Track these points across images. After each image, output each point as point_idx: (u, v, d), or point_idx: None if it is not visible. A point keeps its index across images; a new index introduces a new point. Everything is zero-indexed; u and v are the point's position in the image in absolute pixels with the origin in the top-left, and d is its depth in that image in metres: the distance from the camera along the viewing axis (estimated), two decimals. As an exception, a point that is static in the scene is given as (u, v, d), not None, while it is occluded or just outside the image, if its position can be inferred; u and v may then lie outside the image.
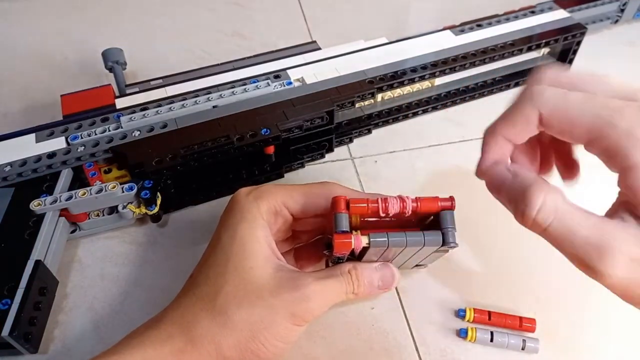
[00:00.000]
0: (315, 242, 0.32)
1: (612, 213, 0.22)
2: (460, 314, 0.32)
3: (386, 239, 0.25)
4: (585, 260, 0.20)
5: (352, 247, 0.24)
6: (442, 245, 0.25)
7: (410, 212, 0.25)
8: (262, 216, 0.28)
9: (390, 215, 0.25)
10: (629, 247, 0.20)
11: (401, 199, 0.25)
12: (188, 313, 0.26)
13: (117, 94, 0.44)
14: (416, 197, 0.25)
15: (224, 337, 0.25)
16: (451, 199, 0.25)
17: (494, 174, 0.23)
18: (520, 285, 0.34)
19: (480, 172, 0.24)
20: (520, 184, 0.22)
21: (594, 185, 0.30)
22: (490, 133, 0.24)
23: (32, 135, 0.38)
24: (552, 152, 0.26)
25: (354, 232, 0.25)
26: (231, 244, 0.27)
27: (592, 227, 0.20)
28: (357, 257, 0.27)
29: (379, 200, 0.25)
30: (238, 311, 0.25)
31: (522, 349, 0.31)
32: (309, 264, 0.32)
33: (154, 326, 0.26)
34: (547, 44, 0.48)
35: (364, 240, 0.25)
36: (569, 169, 0.26)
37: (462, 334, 0.31)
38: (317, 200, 0.29)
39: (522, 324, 0.31)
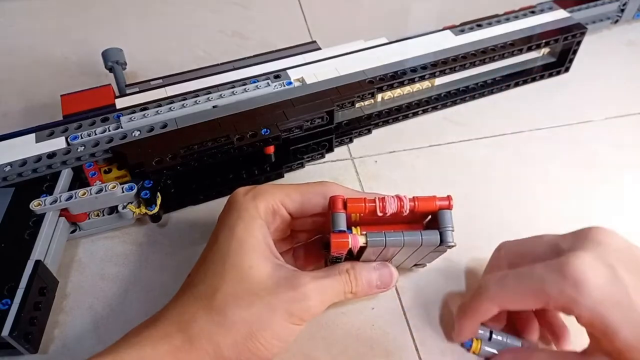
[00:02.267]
0: (314, 241, 0.32)
1: (588, 352, 0.26)
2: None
3: (383, 238, 0.25)
4: None
5: (350, 246, 0.24)
6: (439, 245, 0.25)
7: (407, 212, 0.25)
8: (260, 215, 0.28)
9: (388, 214, 0.25)
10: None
11: (399, 198, 0.25)
12: (185, 312, 0.26)
13: (117, 94, 0.44)
14: (414, 197, 0.25)
15: (222, 336, 0.25)
16: (448, 198, 0.25)
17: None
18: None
19: (458, 341, 0.31)
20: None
21: None
22: (461, 320, 0.30)
23: (32, 135, 0.38)
24: (534, 317, 0.31)
25: (353, 229, 0.25)
26: (229, 243, 0.27)
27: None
28: (355, 256, 0.27)
29: (377, 200, 0.25)
30: (236, 310, 0.25)
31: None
32: (308, 264, 0.32)
33: (152, 325, 0.26)
34: (547, 44, 0.48)
35: (361, 240, 0.25)
36: (555, 333, 0.30)
37: (467, 345, 0.31)
38: (315, 200, 0.29)
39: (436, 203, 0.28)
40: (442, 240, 0.25)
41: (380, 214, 0.25)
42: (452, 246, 0.25)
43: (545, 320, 0.30)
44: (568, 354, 0.27)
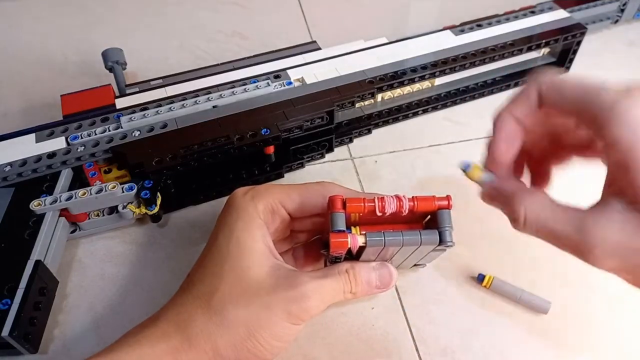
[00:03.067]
0: (314, 242, 0.32)
1: (600, 201, 0.23)
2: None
3: (382, 238, 0.25)
4: (575, 254, 0.22)
5: (349, 246, 0.24)
6: (439, 245, 0.25)
7: (407, 211, 0.25)
8: (259, 215, 0.28)
9: (387, 214, 0.25)
10: (610, 239, 0.21)
11: (398, 198, 0.25)
12: (184, 312, 0.26)
13: (117, 94, 0.44)
14: (413, 196, 0.25)
15: (220, 336, 0.25)
16: (448, 197, 0.25)
17: (485, 195, 0.26)
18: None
19: (495, 158, 0.26)
20: (503, 197, 0.24)
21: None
22: (497, 114, 0.26)
23: (32, 135, 0.38)
24: (542, 164, 0.28)
25: (352, 228, 0.25)
26: (228, 243, 0.27)
27: (574, 225, 0.22)
28: (354, 256, 0.27)
29: (376, 200, 0.25)
30: (234, 310, 0.25)
31: (534, 305, 0.32)
32: (307, 264, 0.32)
33: (151, 325, 0.26)
34: (547, 44, 0.48)
35: (360, 240, 0.25)
36: (542, 178, 0.28)
37: (479, 278, 0.33)
38: (314, 200, 0.29)
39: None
40: (441, 240, 0.25)
41: (379, 214, 0.25)
42: (451, 245, 0.25)
43: (540, 166, 0.28)
44: (570, 204, 0.24)
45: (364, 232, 0.25)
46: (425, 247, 0.25)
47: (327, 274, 0.27)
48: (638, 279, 0.22)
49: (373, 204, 0.25)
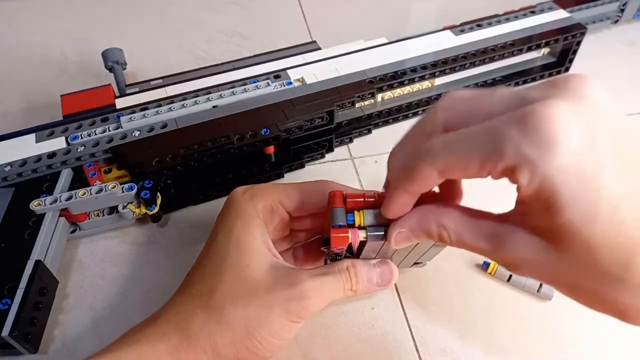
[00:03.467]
0: (314, 241, 0.32)
1: (506, 217, 0.22)
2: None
3: (383, 232, 0.25)
4: (491, 256, 0.22)
5: (350, 241, 0.24)
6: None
7: None
8: (258, 214, 0.28)
9: None
10: (523, 253, 0.21)
11: None
12: (183, 311, 0.26)
13: (117, 94, 0.44)
14: None
15: (220, 334, 0.25)
16: None
17: (399, 242, 0.24)
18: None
19: (389, 217, 0.24)
20: (423, 233, 0.24)
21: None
22: (393, 188, 0.23)
23: (32, 135, 0.38)
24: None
25: (355, 212, 0.25)
26: (227, 243, 0.27)
27: (489, 239, 0.22)
28: (355, 253, 0.27)
29: (376, 195, 0.25)
30: (233, 309, 0.25)
31: (537, 291, 0.33)
32: (307, 263, 0.32)
33: (150, 324, 0.26)
34: (547, 44, 0.48)
35: (361, 235, 0.25)
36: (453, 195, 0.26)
37: (484, 265, 0.34)
38: (313, 198, 0.29)
39: None
40: None
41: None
42: None
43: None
44: (484, 213, 0.23)
45: (365, 227, 0.25)
46: (425, 242, 0.25)
47: (327, 271, 0.27)
48: (576, 295, 0.21)
49: (373, 200, 0.25)
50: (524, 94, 0.20)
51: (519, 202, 0.20)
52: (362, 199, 0.25)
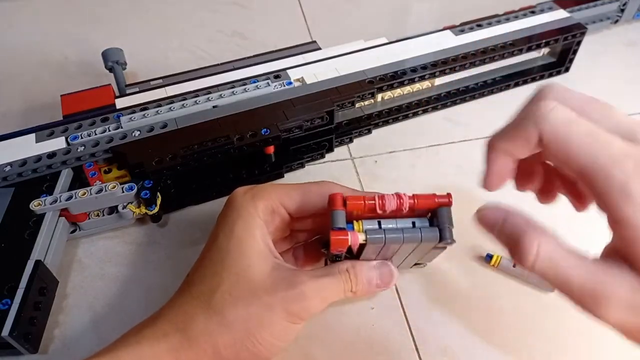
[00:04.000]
0: (314, 241, 0.32)
1: (606, 256, 0.21)
2: None
3: (383, 235, 0.25)
4: (583, 306, 0.20)
5: (349, 243, 0.24)
6: (439, 242, 0.25)
7: (407, 209, 0.25)
8: (259, 215, 0.28)
9: (388, 212, 0.25)
10: (624, 293, 0.20)
11: (398, 196, 0.25)
12: (184, 312, 0.26)
13: (117, 94, 0.44)
14: (413, 194, 0.25)
15: (220, 335, 0.25)
16: (448, 195, 0.25)
17: (485, 216, 0.23)
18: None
19: (487, 187, 0.24)
20: (511, 231, 0.22)
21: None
22: (491, 148, 0.23)
23: (32, 135, 0.38)
24: (558, 177, 0.26)
25: (354, 222, 0.25)
26: (228, 243, 0.27)
27: (587, 274, 0.20)
28: (355, 255, 0.27)
29: (376, 197, 0.25)
30: (234, 309, 0.25)
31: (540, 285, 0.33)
32: (307, 264, 0.32)
33: (150, 324, 0.26)
34: (547, 44, 0.48)
35: (360, 237, 0.25)
36: (578, 197, 0.26)
37: (487, 258, 0.34)
38: (314, 199, 0.29)
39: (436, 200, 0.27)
40: (442, 237, 0.25)
41: (380, 212, 0.25)
42: (451, 243, 0.25)
43: (568, 181, 0.26)
44: (581, 252, 0.21)
45: (365, 230, 0.25)
46: (426, 244, 0.25)
47: (327, 272, 0.27)
48: None
49: (373, 202, 0.25)
50: (635, 132, 0.20)
51: (616, 242, 0.20)
52: (361, 202, 0.25)
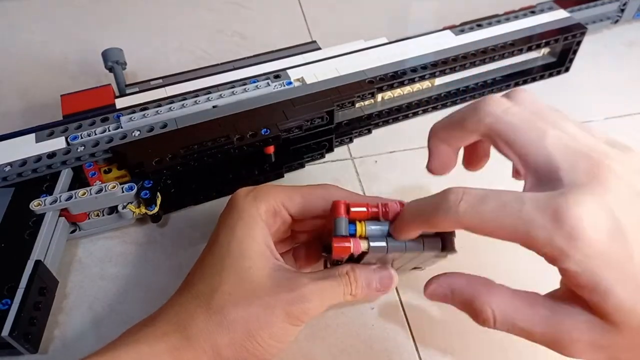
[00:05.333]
0: (314, 241, 0.32)
1: (558, 297, 0.22)
2: None
3: (385, 244, 0.25)
4: (551, 349, 0.21)
5: (351, 251, 0.24)
6: (441, 251, 0.25)
7: None
8: (260, 217, 0.28)
9: (390, 219, 0.25)
10: (583, 335, 0.20)
11: (401, 204, 0.25)
12: (184, 311, 0.26)
13: (117, 94, 0.44)
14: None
15: (220, 335, 0.25)
16: None
17: (433, 293, 0.25)
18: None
19: (431, 171, 0.27)
20: (462, 299, 0.23)
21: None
22: (431, 136, 0.26)
23: (32, 135, 0.38)
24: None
25: (357, 223, 0.25)
26: (229, 244, 0.27)
27: (546, 324, 0.21)
28: (355, 259, 0.27)
29: (379, 205, 0.25)
30: (234, 310, 0.25)
31: None
32: (308, 264, 0.32)
33: (149, 324, 0.26)
34: (547, 44, 0.48)
35: (363, 245, 0.25)
36: (476, 159, 0.28)
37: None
38: (316, 202, 0.29)
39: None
40: (444, 247, 0.25)
41: (382, 219, 0.25)
42: (454, 253, 0.25)
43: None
44: (533, 295, 0.22)
45: (367, 237, 0.25)
46: (431, 252, 0.25)
47: (327, 275, 0.27)
48: None
49: (377, 210, 0.25)
50: (555, 173, 0.21)
51: (566, 284, 0.21)
52: (365, 209, 0.25)
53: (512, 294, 0.22)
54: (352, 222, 0.25)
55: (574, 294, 0.21)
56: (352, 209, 0.25)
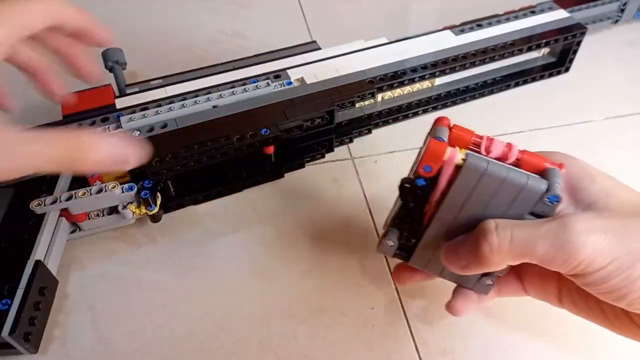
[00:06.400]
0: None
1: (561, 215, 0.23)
2: None
3: (486, 163, 0.22)
4: (561, 265, 0.22)
5: (446, 157, 0.22)
6: (544, 195, 0.23)
7: (513, 160, 0.24)
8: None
9: (492, 156, 0.24)
10: (598, 237, 0.21)
11: (508, 144, 0.24)
12: None
13: (117, 94, 0.44)
14: (524, 149, 0.24)
15: None
16: (561, 165, 0.24)
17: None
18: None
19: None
20: (468, 243, 0.24)
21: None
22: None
23: (32, 135, 0.38)
24: None
25: (457, 148, 0.23)
26: None
27: (555, 234, 0.22)
28: (423, 212, 0.25)
29: (485, 137, 0.24)
30: None
31: None
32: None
33: None
34: (547, 44, 0.48)
35: (459, 155, 0.23)
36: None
37: None
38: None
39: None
40: (549, 189, 0.23)
41: (484, 153, 0.24)
42: (558, 201, 0.23)
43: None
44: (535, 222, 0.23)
45: (466, 151, 0.23)
46: (524, 200, 0.23)
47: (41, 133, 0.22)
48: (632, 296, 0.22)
49: (480, 140, 0.24)
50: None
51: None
52: (468, 134, 0.24)
53: (513, 221, 0.24)
54: (452, 144, 0.23)
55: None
56: (455, 130, 0.24)
